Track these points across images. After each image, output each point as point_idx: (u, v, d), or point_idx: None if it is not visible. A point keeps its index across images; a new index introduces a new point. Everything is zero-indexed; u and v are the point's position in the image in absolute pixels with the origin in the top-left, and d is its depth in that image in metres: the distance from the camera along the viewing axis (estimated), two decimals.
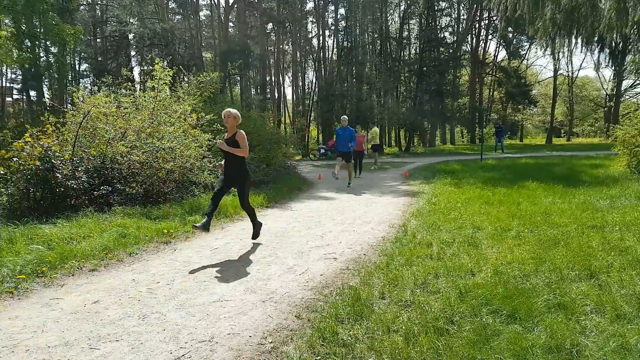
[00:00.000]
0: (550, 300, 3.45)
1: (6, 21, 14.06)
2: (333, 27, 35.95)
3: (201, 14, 38.87)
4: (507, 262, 4.50)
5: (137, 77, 34.27)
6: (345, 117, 12.27)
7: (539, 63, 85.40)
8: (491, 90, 45.08)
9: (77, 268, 4.70)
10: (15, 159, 6.74)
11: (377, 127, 27.28)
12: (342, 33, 35.10)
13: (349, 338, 3.02)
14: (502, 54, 46.14)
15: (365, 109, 28.80)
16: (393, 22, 38.48)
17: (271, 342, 3.04)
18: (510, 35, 38.89)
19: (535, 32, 15.15)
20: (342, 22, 35.14)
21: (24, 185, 6.80)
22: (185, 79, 12.32)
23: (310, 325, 3.28)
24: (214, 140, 9.27)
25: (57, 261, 4.69)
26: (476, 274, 4.20)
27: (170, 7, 36.76)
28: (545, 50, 17.17)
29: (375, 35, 34.87)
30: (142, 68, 35.61)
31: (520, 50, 43.11)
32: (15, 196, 6.84)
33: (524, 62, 45.99)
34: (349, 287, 4.00)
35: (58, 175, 6.79)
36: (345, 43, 34.75)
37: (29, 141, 6.89)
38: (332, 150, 27.61)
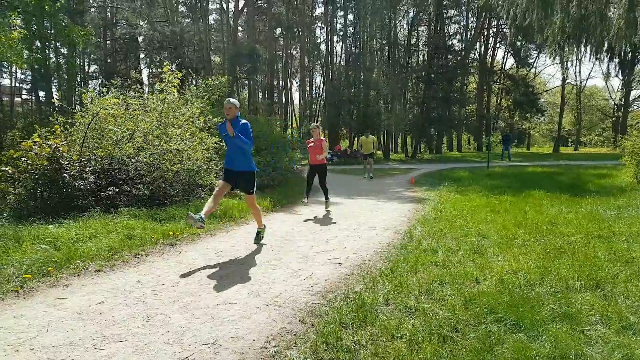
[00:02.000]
0: (556, 310, 3.43)
1: (17, 21, 14.21)
2: (341, 33, 36.12)
3: (210, 18, 39.22)
4: (512, 270, 4.48)
5: (145, 80, 34.55)
6: (231, 100, 5.65)
7: (547, 72, 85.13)
8: (499, 98, 45.00)
9: (83, 268, 4.72)
10: (23, 158, 6.79)
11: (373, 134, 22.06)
12: (351, 39, 35.22)
13: (353, 344, 3.02)
14: (510, 62, 46.19)
15: (373, 114, 28.82)
16: (401, 29, 38.61)
17: (275, 346, 3.03)
18: (519, 43, 38.83)
19: (544, 40, 15.13)
20: (351, 28, 35.29)
21: (32, 185, 6.84)
22: (194, 82, 12.38)
23: (314, 330, 3.27)
24: (221, 143, 9.32)
25: (62, 261, 4.71)
26: (481, 282, 4.18)
27: (180, 10, 37.06)
28: (554, 58, 17.09)
29: (384, 42, 34.92)
30: (151, 70, 35.87)
31: (528, 58, 43.02)
32: (22, 196, 6.88)
33: (532, 70, 45.93)
34: (354, 292, 3.99)
35: (65, 175, 6.83)
36: (354, 49, 34.86)
37: (38, 141, 6.94)
38: (338, 155, 27.57)
